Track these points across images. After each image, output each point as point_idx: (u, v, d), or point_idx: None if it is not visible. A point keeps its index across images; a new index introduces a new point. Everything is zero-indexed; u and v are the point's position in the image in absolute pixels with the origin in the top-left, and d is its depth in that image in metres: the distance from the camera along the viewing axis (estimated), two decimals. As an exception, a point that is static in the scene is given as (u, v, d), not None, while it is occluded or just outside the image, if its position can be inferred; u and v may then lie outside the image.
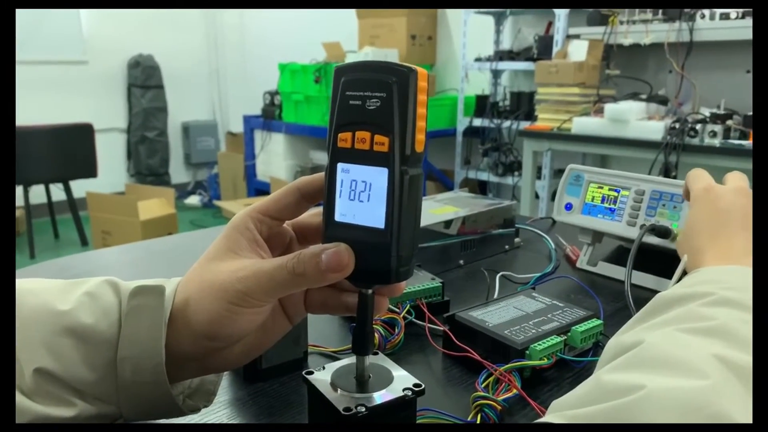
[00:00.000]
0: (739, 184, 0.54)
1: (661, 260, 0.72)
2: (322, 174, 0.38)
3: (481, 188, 3.48)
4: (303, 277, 0.36)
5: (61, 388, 0.37)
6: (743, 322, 0.35)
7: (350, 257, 0.36)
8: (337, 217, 0.36)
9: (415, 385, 0.40)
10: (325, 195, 0.37)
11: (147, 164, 4.86)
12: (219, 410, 0.48)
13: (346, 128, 0.36)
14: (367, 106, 0.35)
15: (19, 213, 3.79)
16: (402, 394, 0.39)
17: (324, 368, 0.41)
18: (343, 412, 0.37)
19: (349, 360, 0.41)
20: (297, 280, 0.36)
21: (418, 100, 0.35)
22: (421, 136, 0.35)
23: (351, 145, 0.35)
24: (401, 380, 0.40)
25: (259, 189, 4.36)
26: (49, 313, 0.38)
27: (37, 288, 0.40)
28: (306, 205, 0.41)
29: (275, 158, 4.19)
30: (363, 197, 0.36)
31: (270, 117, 4.15)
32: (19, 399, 0.36)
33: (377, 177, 0.35)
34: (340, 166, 0.36)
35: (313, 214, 0.43)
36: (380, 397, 0.39)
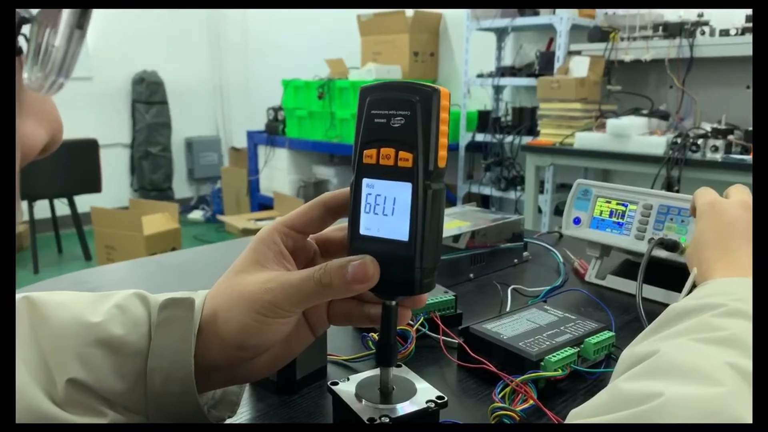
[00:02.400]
0: (742, 197, 0.56)
1: (668, 273, 0.73)
2: (347, 189, 0.39)
3: (483, 202, 3.49)
4: (329, 287, 0.37)
5: (92, 399, 0.38)
6: None
7: (375, 269, 0.37)
8: (362, 231, 0.38)
9: (438, 398, 0.40)
10: (351, 209, 0.38)
11: (150, 179, 4.88)
12: (241, 422, 0.49)
13: (371, 145, 0.37)
14: (391, 124, 0.36)
15: (23, 228, 3.80)
16: (425, 405, 0.40)
17: (348, 379, 0.42)
18: (367, 422, 0.38)
19: (373, 371, 0.42)
20: (323, 290, 0.37)
21: (441, 118, 0.36)
22: (443, 152, 0.37)
23: (376, 161, 0.37)
24: (424, 392, 0.41)
25: (263, 204, 4.38)
26: (81, 324, 0.39)
27: (68, 300, 0.41)
28: (330, 219, 0.42)
29: (278, 173, 4.21)
30: (387, 211, 0.37)
31: (273, 132, 4.18)
32: (51, 409, 0.37)
33: (401, 192, 0.36)
34: (365, 181, 0.37)
35: (337, 229, 0.44)
36: (403, 408, 0.39)
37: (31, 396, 0.36)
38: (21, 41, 0.24)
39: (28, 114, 0.26)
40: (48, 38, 0.24)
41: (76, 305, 0.41)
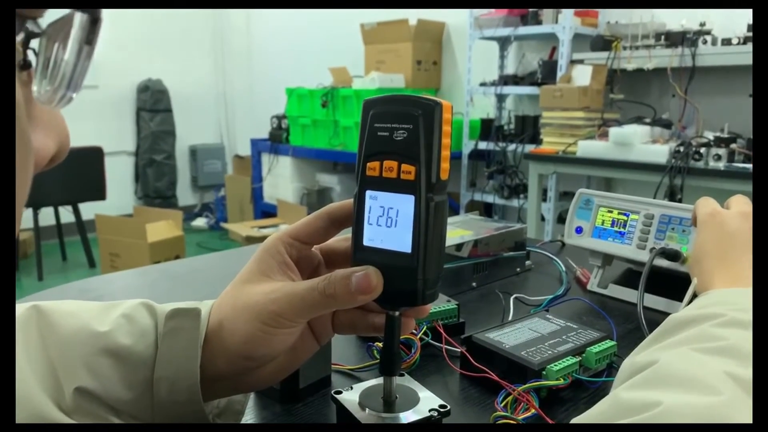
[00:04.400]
0: (742, 208, 0.56)
1: (670, 283, 0.73)
2: (350, 201, 0.40)
3: (486, 210, 3.49)
4: (333, 298, 0.38)
5: (99, 407, 0.39)
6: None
7: (379, 280, 0.37)
8: (366, 242, 0.38)
9: (441, 406, 0.41)
10: (354, 221, 0.39)
11: (155, 187, 4.90)
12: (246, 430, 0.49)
13: (374, 158, 0.38)
14: (394, 137, 0.37)
15: (27, 235, 3.81)
16: (428, 414, 0.40)
17: (352, 388, 0.42)
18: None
19: (377, 381, 0.43)
20: (327, 301, 0.38)
21: (443, 131, 0.37)
22: (445, 165, 0.37)
23: (379, 173, 0.37)
24: (427, 401, 0.41)
25: (266, 211, 4.39)
26: (89, 334, 0.40)
27: (76, 310, 0.42)
28: (334, 230, 0.43)
29: (282, 181, 4.23)
30: (390, 223, 0.37)
31: (277, 140, 4.20)
32: (60, 417, 0.37)
33: (404, 204, 0.37)
34: (368, 193, 0.38)
35: (341, 240, 0.44)
36: (406, 417, 0.40)
37: (39, 403, 0.37)
38: (30, 55, 0.25)
39: (38, 126, 0.27)
40: (57, 53, 0.24)
41: (83, 314, 0.41)
